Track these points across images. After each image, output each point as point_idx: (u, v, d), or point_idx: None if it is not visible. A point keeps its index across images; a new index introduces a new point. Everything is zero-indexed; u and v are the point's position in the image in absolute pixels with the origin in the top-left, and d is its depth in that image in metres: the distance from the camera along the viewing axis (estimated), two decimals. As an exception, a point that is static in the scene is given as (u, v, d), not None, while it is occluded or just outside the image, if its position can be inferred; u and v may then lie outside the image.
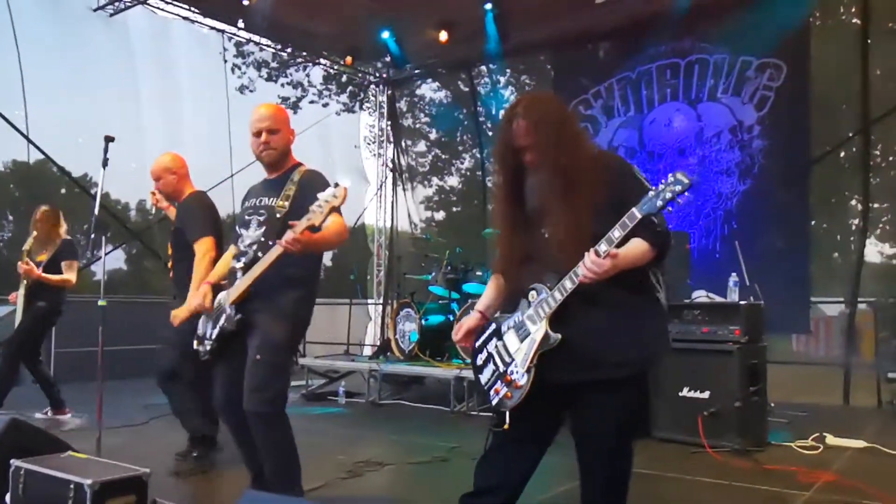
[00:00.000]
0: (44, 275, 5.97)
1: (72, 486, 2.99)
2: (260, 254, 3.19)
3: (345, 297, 10.93)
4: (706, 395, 5.21)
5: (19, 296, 6.04)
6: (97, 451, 4.10)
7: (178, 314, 4.06)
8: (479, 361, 2.70)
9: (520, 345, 2.54)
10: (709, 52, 8.80)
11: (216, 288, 3.41)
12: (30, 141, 9.08)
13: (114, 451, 4.48)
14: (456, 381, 6.80)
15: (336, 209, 2.96)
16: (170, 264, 4.70)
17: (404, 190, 12.70)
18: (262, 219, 3.35)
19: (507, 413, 2.51)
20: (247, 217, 3.41)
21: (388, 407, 7.32)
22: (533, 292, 2.53)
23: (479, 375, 2.68)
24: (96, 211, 4.37)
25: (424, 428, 6.18)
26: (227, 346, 3.30)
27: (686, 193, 2.27)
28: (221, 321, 3.27)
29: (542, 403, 2.53)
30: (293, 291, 3.26)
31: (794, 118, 8.20)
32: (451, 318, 7.61)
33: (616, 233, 2.32)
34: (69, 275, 6.11)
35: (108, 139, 4.39)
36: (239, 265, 3.27)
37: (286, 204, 3.26)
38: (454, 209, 16.35)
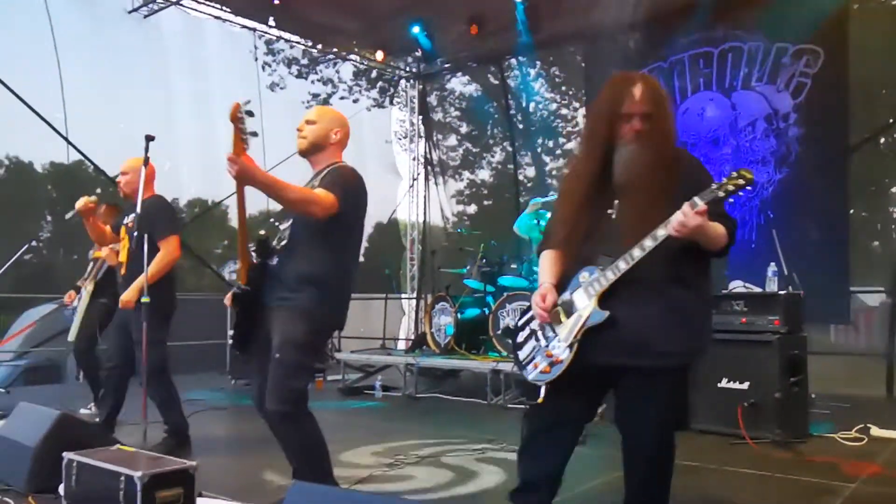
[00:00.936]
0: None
1: (122, 478, 3.06)
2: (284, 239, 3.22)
3: (379, 293, 11.01)
4: (746, 385, 5.17)
5: (83, 294, 6.10)
6: (143, 445, 4.18)
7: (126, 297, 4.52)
8: (521, 338, 2.73)
9: (564, 321, 2.57)
10: (743, 39, 8.68)
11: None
12: (69, 143, 9.26)
13: (158, 445, 4.58)
14: (492, 374, 6.82)
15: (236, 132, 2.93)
16: (122, 258, 4.85)
17: (436, 184, 12.74)
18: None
19: (543, 388, 2.55)
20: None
21: (425, 400, 7.37)
22: (585, 272, 2.55)
23: (518, 352, 2.71)
24: (138, 209, 4.43)
25: (461, 421, 6.22)
26: (255, 341, 3.28)
27: (748, 188, 2.30)
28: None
29: (579, 385, 2.56)
30: (311, 288, 3.16)
31: (831, 105, 8.06)
32: (487, 312, 7.64)
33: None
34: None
35: (149, 138, 4.45)
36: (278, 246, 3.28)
37: None
38: (486, 202, 16.33)
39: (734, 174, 2.31)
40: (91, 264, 6.38)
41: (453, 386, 8.00)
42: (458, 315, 7.79)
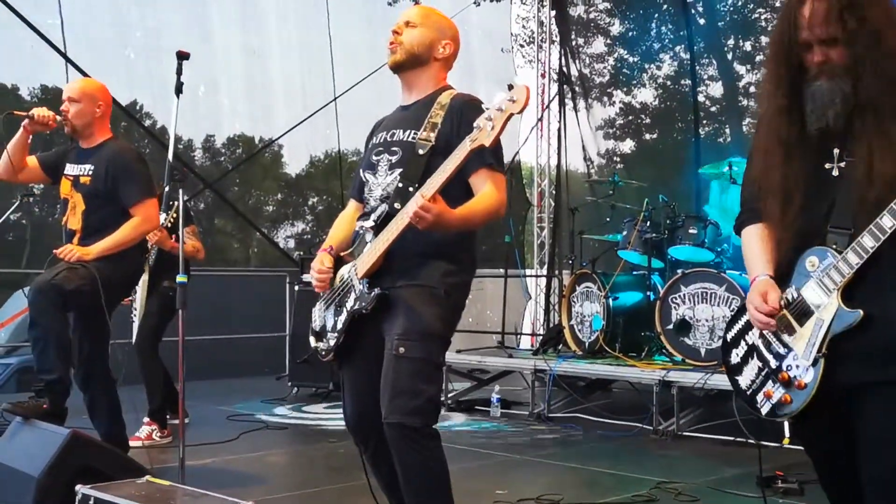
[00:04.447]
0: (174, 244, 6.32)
1: (159, 524, 3.24)
2: (397, 205, 3.30)
3: (496, 268, 11.08)
4: None
5: (139, 284, 6.54)
6: (181, 477, 4.40)
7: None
8: (736, 358, 2.79)
9: (798, 329, 2.59)
10: None
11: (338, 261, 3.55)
12: (67, 59, 9.66)
13: (198, 475, 4.82)
14: (661, 388, 6.79)
15: (509, 118, 2.97)
16: (66, 221, 5.16)
17: (576, 111, 12.66)
18: (395, 158, 3.45)
19: (786, 424, 2.59)
20: (374, 157, 3.53)
21: (562, 421, 7.42)
22: (813, 257, 2.57)
23: (737, 378, 2.77)
24: (170, 155, 4.62)
25: (616, 453, 6.23)
26: (357, 340, 3.44)
27: None
28: (350, 303, 3.40)
29: (827, 412, 2.60)
30: (443, 263, 3.34)
31: None
32: (653, 297, 7.58)
33: None
34: (194, 241, 6.72)
35: (182, 56, 4.60)
36: (368, 224, 3.39)
37: (432, 136, 3.33)
38: (648, 136, 16.11)
39: None
40: None
41: (603, 403, 7.99)
42: (610, 301, 7.77)
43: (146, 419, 6.44)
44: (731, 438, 6.25)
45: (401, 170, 3.39)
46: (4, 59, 11.62)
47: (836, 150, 2.57)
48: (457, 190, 3.21)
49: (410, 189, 3.26)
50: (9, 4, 8.97)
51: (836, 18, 2.48)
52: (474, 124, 2.98)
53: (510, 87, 2.98)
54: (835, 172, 2.57)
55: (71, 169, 5.17)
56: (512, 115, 2.94)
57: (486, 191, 3.28)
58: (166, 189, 4.73)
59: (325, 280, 3.50)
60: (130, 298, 6.59)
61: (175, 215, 5.73)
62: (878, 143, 2.46)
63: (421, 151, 3.33)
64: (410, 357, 3.25)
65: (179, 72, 4.64)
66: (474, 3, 13.36)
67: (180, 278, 4.50)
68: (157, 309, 6.54)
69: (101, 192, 5.06)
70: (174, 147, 4.81)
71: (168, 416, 6.54)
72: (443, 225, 3.09)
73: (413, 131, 3.43)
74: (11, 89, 16.83)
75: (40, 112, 5.04)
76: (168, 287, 6.46)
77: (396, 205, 3.30)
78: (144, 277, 6.40)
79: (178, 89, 4.69)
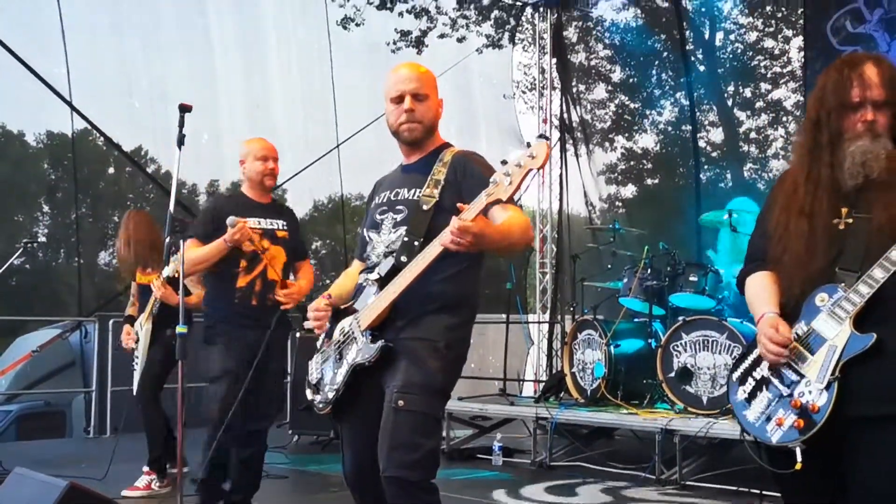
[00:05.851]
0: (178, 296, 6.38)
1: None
2: (404, 258, 3.31)
3: (499, 313, 11.06)
4: None
5: (141, 329, 6.62)
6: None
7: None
8: (743, 395, 2.88)
9: (810, 357, 2.71)
10: None
11: (337, 313, 3.55)
12: (72, 107, 9.75)
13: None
14: (663, 436, 6.75)
15: (528, 174, 2.95)
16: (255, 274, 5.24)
17: (577, 156, 12.70)
18: (400, 217, 3.48)
19: (798, 450, 2.66)
20: (378, 217, 3.56)
21: (564, 470, 7.37)
22: (822, 293, 2.73)
23: (745, 413, 2.85)
24: (171, 207, 4.63)
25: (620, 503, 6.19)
26: (357, 394, 3.42)
27: None
28: (353, 355, 3.39)
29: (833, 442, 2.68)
30: (446, 316, 3.37)
31: None
32: (654, 345, 7.57)
33: None
34: (199, 291, 6.67)
35: (185, 108, 4.62)
36: (373, 277, 3.40)
37: (436, 192, 3.37)
38: (650, 181, 16.12)
39: None
40: (134, 290, 7.00)
41: (605, 451, 7.96)
42: (612, 349, 7.76)
43: (145, 468, 6.42)
44: (735, 488, 6.21)
45: (405, 227, 3.41)
46: (11, 105, 11.69)
47: (844, 209, 2.76)
48: None
49: (416, 244, 3.29)
50: (15, 54, 9.05)
51: (889, 82, 2.73)
52: (490, 179, 2.99)
53: (528, 145, 2.98)
54: (841, 227, 2.75)
55: (257, 223, 5.25)
56: (531, 171, 2.94)
57: (512, 213, 3.26)
58: (167, 240, 4.74)
59: (322, 319, 3.51)
60: (133, 347, 6.63)
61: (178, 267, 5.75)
62: (881, 203, 2.68)
63: (425, 207, 3.36)
64: (410, 410, 3.25)
65: (182, 124, 4.66)
66: (476, 50, 13.46)
67: (180, 329, 4.49)
68: (160, 357, 6.55)
69: (295, 247, 5.46)
70: (175, 196, 4.81)
71: (168, 466, 6.51)
72: (485, 239, 3.03)
73: (417, 189, 3.46)
74: (17, 135, 16.91)
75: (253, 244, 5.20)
76: (171, 336, 6.41)
77: (403, 258, 3.32)
78: (148, 326, 6.46)
79: (181, 141, 4.69)
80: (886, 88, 2.73)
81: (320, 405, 3.52)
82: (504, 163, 2.99)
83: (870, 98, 2.73)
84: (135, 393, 6.67)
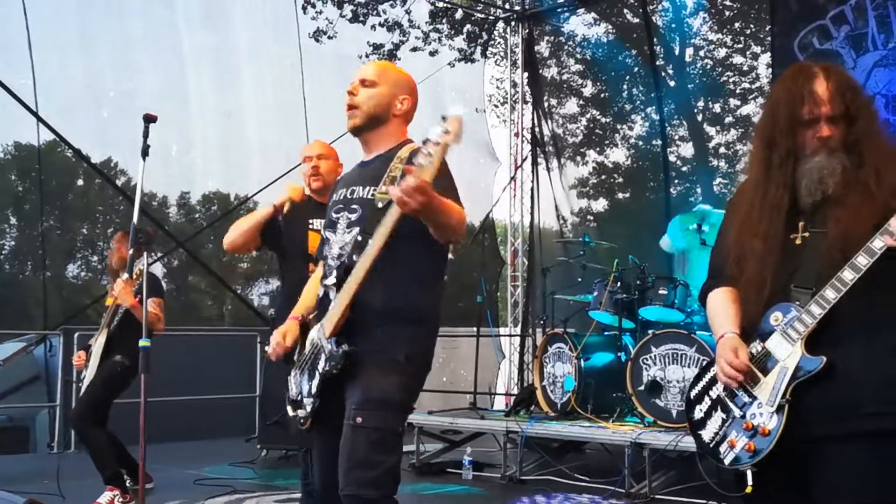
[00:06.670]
0: (136, 305, 6.20)
1: None
2: (356, 257, 3.24)
3: (468, 327, 11.02)
4: None
5: (95, 347, 6.51)
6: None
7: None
8: (699, 414, 2.88)
9: (763, 379, 2.70)
10: None
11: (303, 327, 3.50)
12: (38, 118, 9.66)
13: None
14: (633, 449, 6.75)
15: (446, 149, 2.91)
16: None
17: (549, 170, 12.72)
18: (354, 216, 3.42)
19: (749, 473, 2.66)
20: (334, 215, 3.50)
21: (534, 484, 7.33)
22: (777, 312, 2.71)
23: (700, 433, 2.85)
24: (135, 218, 4.57)
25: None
26: (328, 406, 3.36)
27: None
28: (322, 364, 3.33)
29: (787, 462, 2.66)
30: (407, 326, 3.31)
31: None
32: (624, 358, 7.57)
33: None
34: (158, 312, 6.54)
35: (149, 119, 4.57)
36: (330, 281, 3.34)
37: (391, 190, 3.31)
38: (621, 195, 16.17)
39: None
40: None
41: (575, 465, 7.94)
42: (582, 362, 7.74)
43: (108, 486, 6.30)
44: (703, 502, 6.21)
45: (359, 227, 3.34)
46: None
47: (801, 223, 2.74)
48: (407, 227, 3.12)
49: (369, 243, 3.20)
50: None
51: (840, 95, 2.69)
52: (414, 161, 2.92)
53: (443, 119, 2.93)
54: (798, 241, 2.73)
55: (319, 224, 4.94)
56: (448, 146, 2.90)
57: (451, 200, 3.18)
58: (130, 252, 4.68)
59: (278, 350, 3.50)
60: (83, 361, 6.51)
61: (139, 278, 5.65)
62: (835, 220, 2.65)
63: (380, 205, 3.24)
64: (368, 427, 3.20)
65: (146, 135, 4.61)
66: (449, 64, 13.46)
67: (143, 342, 4.43)
68: (100, 381, 6.42)
69: None
70: (140, 207, 4.75)
71: (129, 482, 6.41)
72: (432, 205, 2.96)
73: (372, 188, 3.39)
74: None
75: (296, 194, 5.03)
76: (118, 362, 6.40)
77: (355, 257, 3.25)
78: (101, 339, 6.32)
79: (145, 152, 4.64)
80: (837, 102, 2.69)
81: (303, 420, 3.46)
82: (425, 142, 2.92)
83: (822, 114, 2.70)
84: (71, 414, 6.50)
